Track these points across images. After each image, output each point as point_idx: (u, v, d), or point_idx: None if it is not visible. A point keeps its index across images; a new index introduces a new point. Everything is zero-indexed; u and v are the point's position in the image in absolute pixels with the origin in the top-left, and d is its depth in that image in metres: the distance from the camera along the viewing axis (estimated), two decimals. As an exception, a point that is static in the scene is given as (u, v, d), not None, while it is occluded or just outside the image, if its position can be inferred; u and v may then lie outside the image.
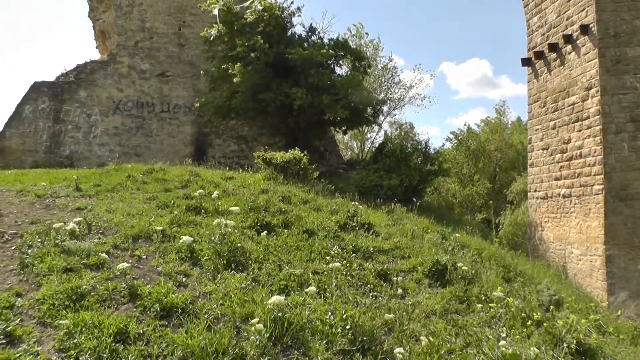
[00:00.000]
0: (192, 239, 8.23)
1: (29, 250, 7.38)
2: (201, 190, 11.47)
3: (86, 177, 13.29)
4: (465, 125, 46.67)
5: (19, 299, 6.05)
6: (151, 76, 24.04)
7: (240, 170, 16.05)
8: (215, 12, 20.75)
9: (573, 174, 18.27)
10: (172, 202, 10.85)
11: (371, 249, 9.87)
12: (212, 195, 11.24)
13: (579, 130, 18.11)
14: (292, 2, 21.33)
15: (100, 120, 23.27)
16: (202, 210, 10.45)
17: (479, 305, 7.92)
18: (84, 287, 6.26)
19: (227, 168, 16.88)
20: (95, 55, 27.97)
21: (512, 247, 19.41)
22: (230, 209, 10.51)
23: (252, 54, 19.13)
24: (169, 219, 9.47)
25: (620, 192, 16.56)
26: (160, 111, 23.68)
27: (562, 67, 19.39)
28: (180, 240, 8.10)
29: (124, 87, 23.76)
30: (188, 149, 23.36)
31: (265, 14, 19.96)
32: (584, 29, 17.99)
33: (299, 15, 22.00)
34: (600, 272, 16.34)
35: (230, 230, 8.56)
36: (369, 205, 14.35)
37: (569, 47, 18.92)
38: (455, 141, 45.62)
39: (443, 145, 39.22)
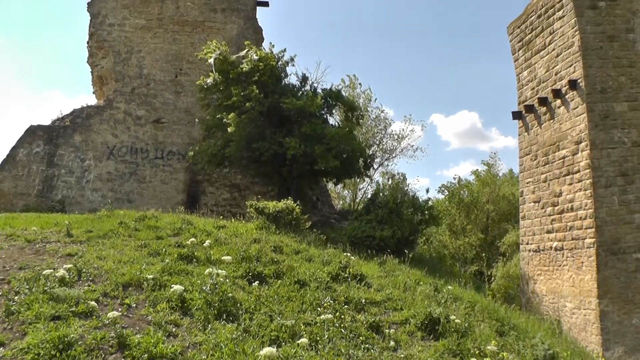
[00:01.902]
0: (183, 288, 8.16)
1: (16, 297, 7.28)
2: (193, 239, 11.44)
3: (78, 223, 13.20)
4: (455, 177, 47.16)
5: (1, 348, 5.92)
6: (146, 122, 24.20)
7: (233, 219, 16.02)
8: (212, 61, 21.04)
9: (565, 227, 18.36)
10: (164, 250, 10.80)
11: (363, 300, 9.79)
12: (204, 244, 11.20)
13: (570, 184, 18.30)
14: (285, 50, 21.68)
15: (94, 165, 23.30)
16: (194, 259, 10.39)
17: (473, 359, 7.82)
18: (72, 335, 6.16)
19: (220, 216, 16.84)
20: (92, 100, 28.08)
21: (505, 300, 19.26)
22: (222, 258, 10.48)
23: (247, 104, 19.34)
24: (161, 267, 9.40)
25: (612, 245, 16.64)
26: (154, 157, 23.72)
27: (552, 120, 19.74)
28: (171, 289, 8.03)
29: (119, 133, 23.88)
30: (181, 196, 23.32)
31: (261, 63, 20.26)
32: (573, 84, 18.42)
33: (293, 65, 22.32)
34: (595, 326, 16.23)
35: (221, 279, 8.50)
36: (361, 256, 14.30)
37: (559, 101, 19.31)
38: (447, 193, 45.83)
39: (427, 191, 39.19)
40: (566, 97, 18.87)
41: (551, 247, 19.10)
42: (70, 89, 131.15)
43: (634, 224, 16.95)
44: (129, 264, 9.57)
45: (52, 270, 8.06)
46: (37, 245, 10.47)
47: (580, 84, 18.10)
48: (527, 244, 20.83)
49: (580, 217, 17.57)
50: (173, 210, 16.84)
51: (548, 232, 19.42)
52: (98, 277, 8.69)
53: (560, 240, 18.60)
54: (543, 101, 20.27)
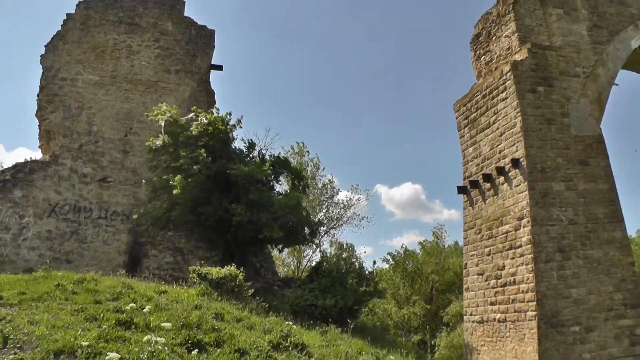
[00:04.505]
0: (120, 356, 7.97)
1: None
2: (133, 304, 11.21)
3: (10, 284, 12.70)
4: (402, 247, 47.93)
5: None
6: (92, 181, 23.77)
7: (175, 284, 15.80)
8: (162, 122, 21.14)
9: (508, 300, 18.79)
10: (102, 315, 10.53)
11: (303, 371, 9.76)
12: (144, 310, 10.97)
13: (513, 258, 18.86)
14: (231, 114, 21.98)
15: (33, 222, 22.52)
16: (133, 325, 10.16)
17: None
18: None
19: (162, 281, 16.59)
20: (32, 154, 27.41)
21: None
22: (162, 324, 10.28)
23: (194, 167, 19.40)
24: (97, 334, 9.17)
25: (552, 318, 17.12)
26: (98, 217, 23.14)
27: (496, 196, 20.47)
28: (107, 358, 7.83)
29: (63, 190, 23.32)
30: (122, 258, 22.70)
31: (210, 127, 20.46)
32: (515, 163, 19.27)
33: (241, 127, 22.43)
34: (537, 397, 16.47)
35: (160, 347, 8.38)
36: (303, 325, 14.27)
37: (502, 178, 20.09)
38: (392, 262, 46.33)
39: (374, 263, 39.63)
40: (509, 174, 19.68)
41: (494, 319, 19.44)
42: (9, 142, 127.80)
43: (571, 298, 17.57)
44: (63, 329, 9.29)
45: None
46: (-40, 308, 10.05)
47: (522, 163, 18.97)
48: (471, 315, 21.13)
49: (522, 290, 18.05)
50: (114, 272, 16.43)
51: (491, 304, 19.80)
52: (27, 343, 8.39)
53: (503, 312, 18.98)
54: (487, 177, 21.02)
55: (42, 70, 24.89)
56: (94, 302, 11.77)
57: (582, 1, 22.05)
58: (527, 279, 17.84)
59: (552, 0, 21.62)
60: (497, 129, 20.84)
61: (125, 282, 14.16)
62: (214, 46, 27.76)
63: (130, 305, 11.09)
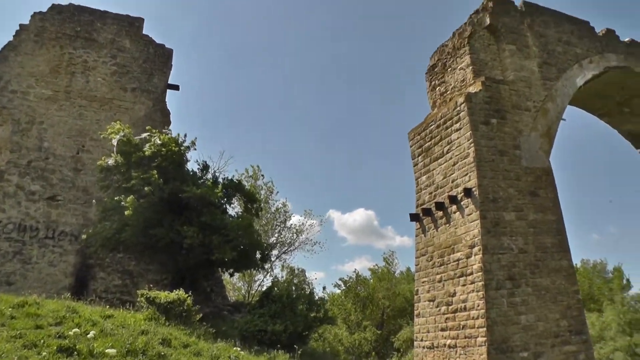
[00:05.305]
0: (58, 386, 7.71)
1: None
2: (77, 329, 10.90)
3: (-58, 308, 12.16)
4: (354, 272, 48.05)
5: None
6: (40, 199, 23.02)
7: (122, 308, 15.44)
8: (115, 141, 20.80)
9: (458, 326, 18.97)
10: (43, 341, 10.17)
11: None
12: (88, 335, 10.70)
13: (464, 285, 19.10)
14: (185, 135, 21.83)
15: (-28, 241, 21.62)
16: (75, 352, 9.84)
17: None
18: None
19: (109, 304, 16.17)
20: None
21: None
22: (106, 351, 10.03)
23: (146, 188, 19.12)
24: (35, 362, 8.85)
25: (502, 344, 17.35)
26: (44, 237, 22.32)
27: (448, 224, 20.74)
28: (45, 388, 7.57)
29: (8, 208, 22.50)
30: (68, 280, 21.91)
31: (163, 148, 20.26)
32: (467, 192, 19.60)
33: (195, 149, 22.32)
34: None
35: (102, 377, 8.13)
36: (251, 351, 14.18)
37: (454, 207, 20.38)
38: (344, 287, 46.44)
39: (324, 288, 39.52)
40: (461, 203, 20.00)
41: (445, 345, 19.58)
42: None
43: (520, 324, 17.89)
44: None
45: None
46: None
47: (475, 193, 19.31)
48: (422, 340, 21.22)
49: (472, 316, 18.28)
50: (59, 295, 15.91)
51: (442, 329, 19.95)
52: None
53: (453, 338, 19.14)
54: (440, 206, 21.27)
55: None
56: (34, 328, 11.35)
57: (534, 39, 22.88)
58: (478, 306, 18.09)
59: (505, 37, 22.34)
60: (451, 158, 21.20)
61: (70, 306, 13.74)
62: (172, 65, 27.58)
63: (73, 330, 10.78)
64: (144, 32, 27.51)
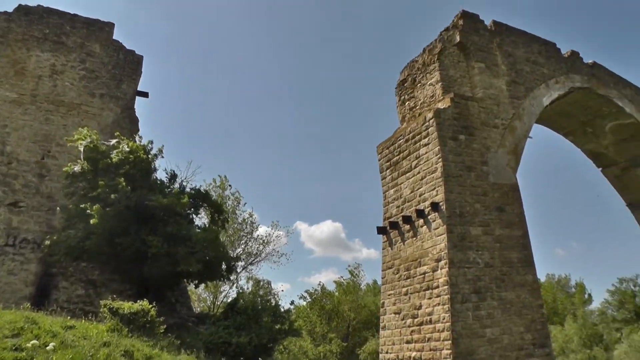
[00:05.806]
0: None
1: None
2: (35, 341, 10.61)
3: None
4: (320, 284, 47.93)
5: None
6: (1, 204, 22.33)
7: (84, 319, 15.09)
8: (81, 148, 20.44)
9: (424, 339, 19.09)
10: (-2, 354, 9.88)
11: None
12: (47, 347, 10.41)
13: (430, 298, 19.25)
14: (152, 142, 21.60)
15: None
16: (32, 365, 9.59)
17: None
18: None
19: (71, 315, 15.79)
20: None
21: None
22: (66, 364, 9.78)
23: (113, 196, 18.81)
24: (-10, 375, 8.58)
25: (467, 357, 17.52)
26: (4, 244, 21.52)
27: (415, 238, 20.90)
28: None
29: (-35, 214, 21.85)
30: (29, 290, 21.15)
31: (131, 156, 20.00)
32: (435, 207, 19.82)
33: (162, 157, 22.16)
34: None
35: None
36: (214, 364, 13.99)
37: (421, 221, 20.57)
38: (310, 299, 46.40)
39: (292, 303, 39.35)
40: (429, 217, 20.20)
41: (410, 357, 19.66)
42: None
43: (486, 337, 18.12)
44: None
45: None
46: None
47: (442, 207, 19.54)
48: (387, 352, 21.28)
49: (438, 329, 18.42)
50: (17, 306, 15.46)
51: (407, 342, 20.05)
52: None
53: (419, 350, 19.25)
54: (407, 219, 21.46)
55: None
56: (-10, 339, 11.02)
57: (502, 57, 23.35)
58: (444, 319, 18.25)
59: (475, 54, 22.74)
60: (419, 172, 21.42)
61: (29, 317, 13.34)
62: (142, 72, 27.25)
63: (32, 342, 10.50)
64: (114, 37, 27.15)
